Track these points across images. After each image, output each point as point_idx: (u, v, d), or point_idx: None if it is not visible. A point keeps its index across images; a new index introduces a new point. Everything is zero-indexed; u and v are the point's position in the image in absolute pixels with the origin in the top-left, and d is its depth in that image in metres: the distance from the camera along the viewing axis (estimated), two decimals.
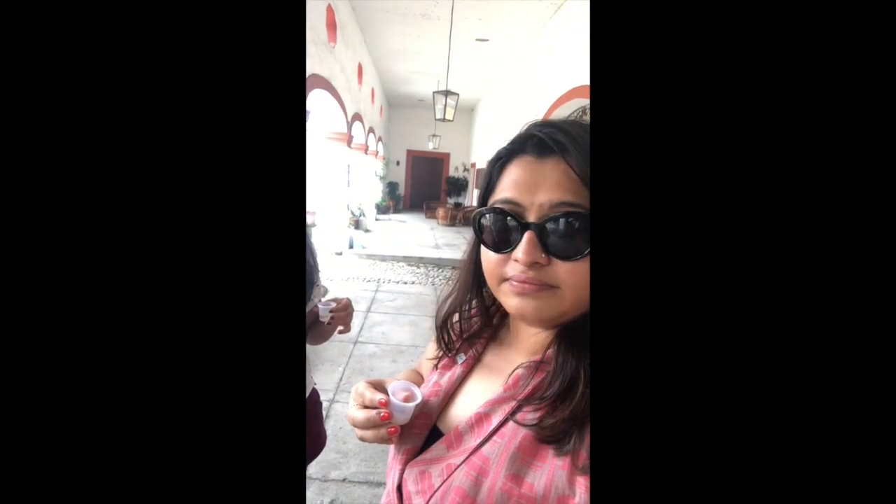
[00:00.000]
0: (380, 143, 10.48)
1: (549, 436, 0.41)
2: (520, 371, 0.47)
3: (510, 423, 0.44)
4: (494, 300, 0.56)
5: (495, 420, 0.45)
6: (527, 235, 0.43)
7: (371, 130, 8.56)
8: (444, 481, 0.44)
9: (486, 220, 0.47)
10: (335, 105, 5.15)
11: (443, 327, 0.59)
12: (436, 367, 0.59)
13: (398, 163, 13.36)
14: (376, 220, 10.24)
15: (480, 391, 0.52)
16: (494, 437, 0.44)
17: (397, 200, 12.92)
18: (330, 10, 4.54)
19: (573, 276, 0.42)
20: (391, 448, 0.53)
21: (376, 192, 10.70)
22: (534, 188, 0.44)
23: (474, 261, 0.55)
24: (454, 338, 0.58)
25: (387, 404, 0.48)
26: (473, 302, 0.58)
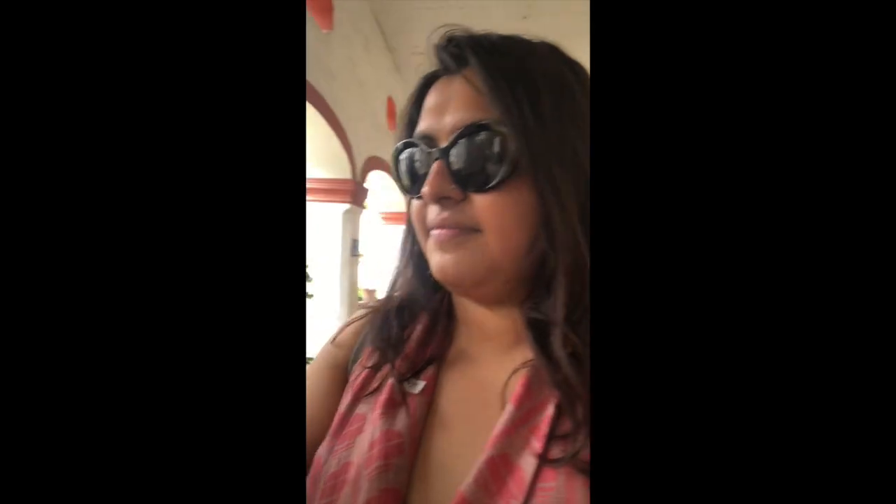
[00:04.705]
0: None
1: None
2: (523, 373, 0.33)
3: (555, 464, 0.29)
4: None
5: (526, 463, 0.29)
6: (434, 166, 0.35)
7: None
8: None
9: (402, 160, 0.39)
10: (392, 185, 5.24)
11: (385, 326, 0.42)
12: (364, 393, 0.39)
13: None
14: None
15: (467, 425, 0.35)
16: (538, 490, 0.28)
17: None
18: (391, 101, 4.62)
19: (493, 213, 0.34)
20: None
21: None
22: (442, 111, 0.36)
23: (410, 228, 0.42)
24: (395, 351, 0.40)
25: None
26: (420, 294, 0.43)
